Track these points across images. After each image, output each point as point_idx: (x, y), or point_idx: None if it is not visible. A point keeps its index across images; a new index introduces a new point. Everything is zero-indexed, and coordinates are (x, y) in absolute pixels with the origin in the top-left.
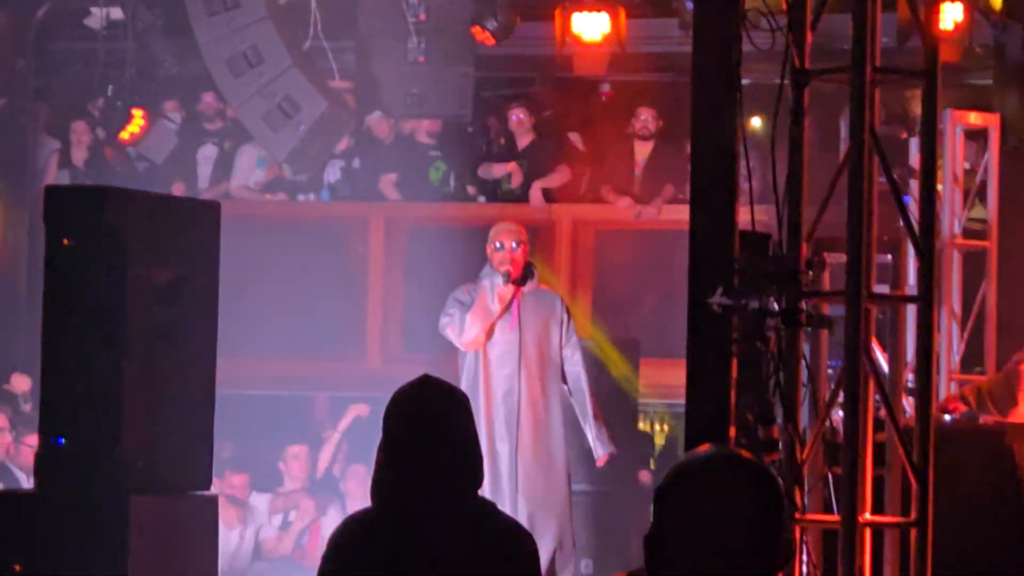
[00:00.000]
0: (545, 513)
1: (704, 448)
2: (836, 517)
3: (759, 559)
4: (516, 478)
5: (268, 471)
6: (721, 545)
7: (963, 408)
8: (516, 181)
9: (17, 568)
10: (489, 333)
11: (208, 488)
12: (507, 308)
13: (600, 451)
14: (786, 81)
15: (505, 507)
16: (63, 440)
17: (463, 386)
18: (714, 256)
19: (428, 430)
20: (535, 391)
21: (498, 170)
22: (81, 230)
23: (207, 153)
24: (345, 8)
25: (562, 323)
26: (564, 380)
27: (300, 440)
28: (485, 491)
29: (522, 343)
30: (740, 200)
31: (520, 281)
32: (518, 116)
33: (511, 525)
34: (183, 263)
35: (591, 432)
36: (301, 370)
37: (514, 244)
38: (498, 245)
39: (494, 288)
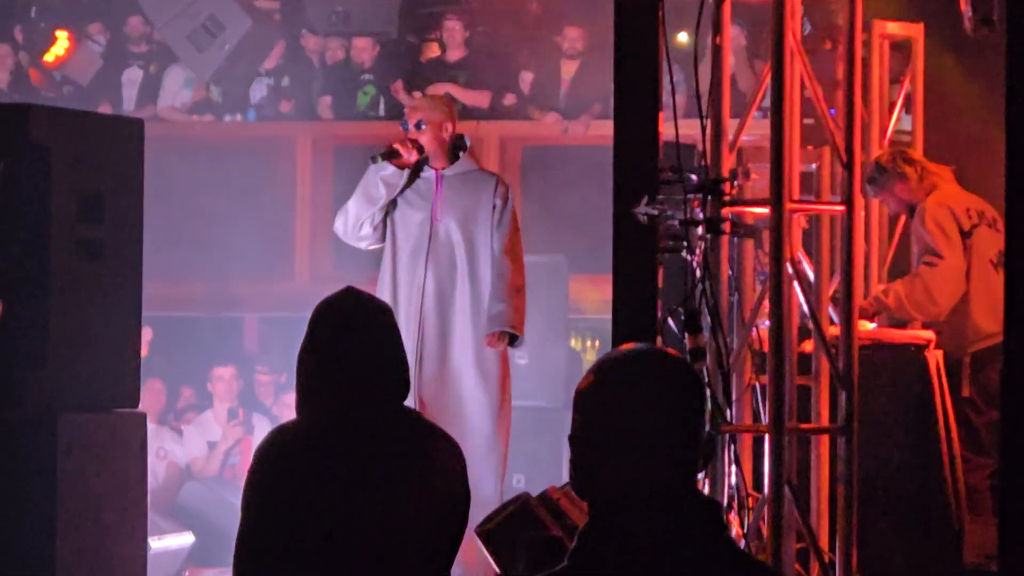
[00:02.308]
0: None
1: (625, 346)
2: (764, 426)
3: (680, 455)
4: (417, 387)
5: (198, 391)
6: (641, 440)
7: (882, 312)
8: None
9: None
10: (381, 224)
11: (136, 406)
12: (399, 193)
13: (492, 326)
14: None
15: None
16: None
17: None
18: (638, 167)
19: (354, 340)
20: (445, 288)
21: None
22: (5, 148)
23: (132, 76)
24: None
25: (495, 208)
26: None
27: (228, 362)
28: None
29: (432, 233)
30: (664, 114)
31: (409, 163)
32: (453, 26)
33: (437, 433)
34: (107, 180)
35: (489, 306)
36: (229, 290)
37: (417, 125)
38: (402, 125)
39: (378, 172)
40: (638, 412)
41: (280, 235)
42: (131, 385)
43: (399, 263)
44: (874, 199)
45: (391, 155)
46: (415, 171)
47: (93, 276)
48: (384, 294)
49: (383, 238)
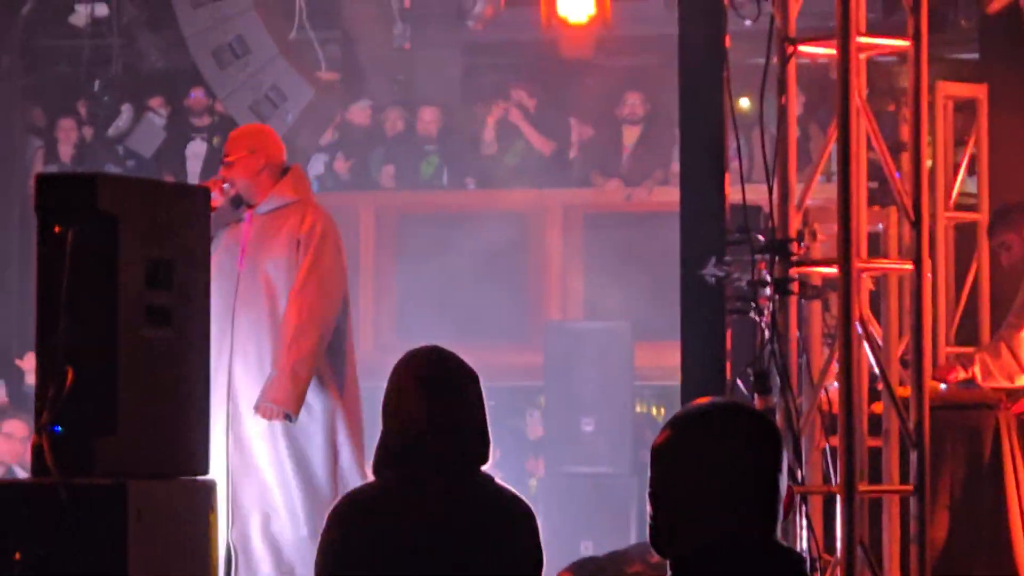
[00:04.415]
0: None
1: (700, 400)
2: (835, 488)
3: (761, 508)
4: (229, 480)
5: None
6: (722, 493)
7: (962, 376)
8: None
9: (17, 556)
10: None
11: (206, 472)
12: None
13: (259, 399)
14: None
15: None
16: (59, 428)
17: None
18: (705, 228)
19: (434, 401)
20: (250, 350)
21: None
22: (72, 216)
23: (196, 149)
24: None
25: (299, 246)
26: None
27: None
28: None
29: (239, 284)
30: (730, 176)
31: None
32: (519, 93)
33: (511, 499)
34: (174, 248)
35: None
36: None
37: (223, 158)
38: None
39: None
40: (718, 465)
41: None
42: (200, 452)
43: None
44: (995, 241)
45: None
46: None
47: (161, 343)
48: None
49: None
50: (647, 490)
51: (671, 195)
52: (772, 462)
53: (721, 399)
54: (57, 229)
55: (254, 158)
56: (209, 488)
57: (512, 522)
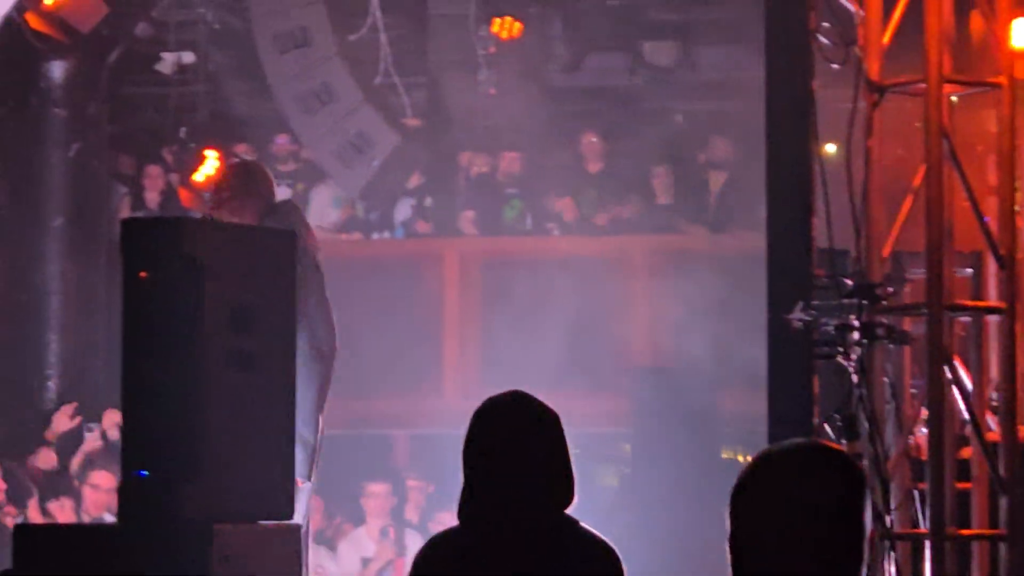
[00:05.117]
0: None
1: (785, 441)
2: (924, 531)
3: (844, 552)
4: None
5: (350, 508)
6: (804, 536)
7: None
8: (570, 216)
9: None
10: None
11: (291, 517)
12: None
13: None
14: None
15: None
16: (145, 472)
17: None
18: (792, 273)
19: (513, 447)
20: None
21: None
22: (158, 260)
23: (281, 195)
24: (415, 44)
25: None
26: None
27: (380, 478)
28: None
29: None
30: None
31: None
32: (590, 140)
33: (596, 542)
34: (260, 292)
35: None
36: (379, 408)
37: (213, 199)
38: None
39: None
40: (801, 505)
41: (429, 351)
42: (285, 497)
43: None
44: None
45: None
46: None
47: (246, 387)
48: None
49: None
50: (729, 531)
51: (757, 240)
52: (856, 502)
53: (806, 440)
54: (143, 274)
55: (242, 198)
56: (294, 531)
57: (598, 565)
